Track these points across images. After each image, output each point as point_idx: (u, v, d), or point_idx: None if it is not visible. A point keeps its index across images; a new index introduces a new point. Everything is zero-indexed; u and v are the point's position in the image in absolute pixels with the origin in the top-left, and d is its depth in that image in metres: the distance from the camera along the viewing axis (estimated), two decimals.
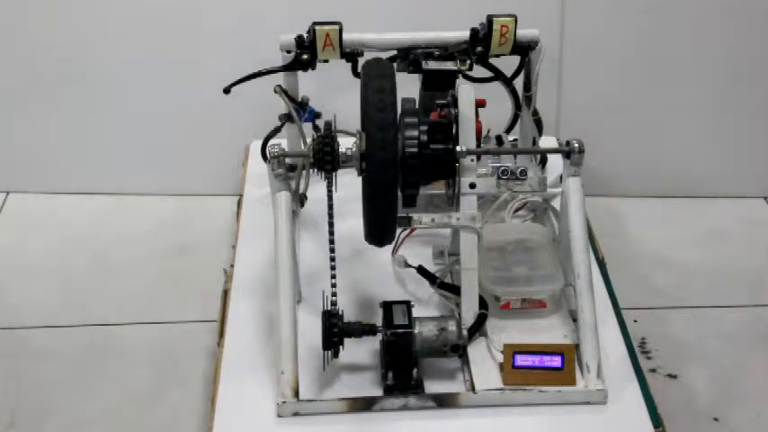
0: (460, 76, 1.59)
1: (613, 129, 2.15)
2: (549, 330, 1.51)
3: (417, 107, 1.54)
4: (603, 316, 1.52)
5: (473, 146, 1.46)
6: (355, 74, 1.66)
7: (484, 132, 1.60)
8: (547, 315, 1.54)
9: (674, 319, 1.89)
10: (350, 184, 1.45)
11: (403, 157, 1.41)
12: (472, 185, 1.47)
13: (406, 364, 1.41)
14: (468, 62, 1.59)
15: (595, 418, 1.40)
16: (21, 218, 2.16)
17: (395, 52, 1.66)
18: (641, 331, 1.84)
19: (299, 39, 1.65)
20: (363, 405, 1.40)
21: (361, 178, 1.41)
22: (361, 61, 1.56)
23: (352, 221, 1.49)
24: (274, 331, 1.45)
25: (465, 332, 1.43)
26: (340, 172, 1.41)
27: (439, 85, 1.56)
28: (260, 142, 1.82)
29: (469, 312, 1.48)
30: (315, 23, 1.63)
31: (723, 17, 2.04)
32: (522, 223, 1.75)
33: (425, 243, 1.69)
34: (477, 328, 1.48)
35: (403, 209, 1.47)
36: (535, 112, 1.76)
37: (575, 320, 1.49)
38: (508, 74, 1.75)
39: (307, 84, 1.77)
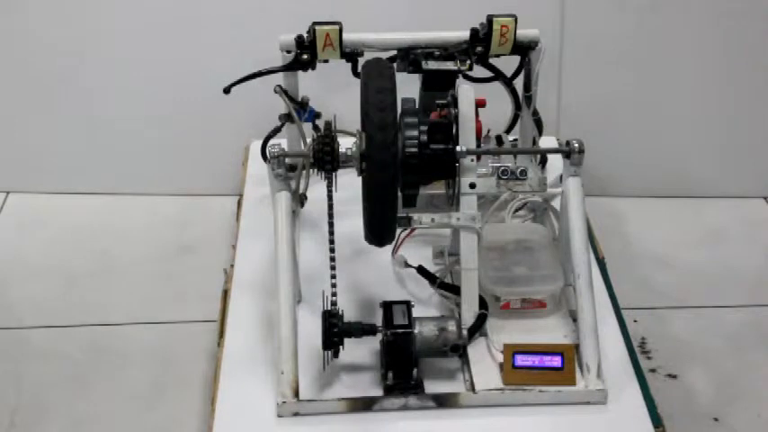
0: (460, 76, 1.59)
1: (613, 129, 2.15)
2: (549, 330, 1.51)
3: (417, 107, 1.54)
4: (603, 316, 1.52)
5: (473, 146, 1.46)
6: (355, 74, 1.66)
7: (484, 132, 1.60)
8: (547, 315, 1.54)
9: (674, 319, 1.89)
10: (350, 184, 1.45)
11: (403, 157, 1.41)
12: (472, 185, 1.47)
13: (405, 364, 1.41)
14: (468, 62, 1.59)
15: (595, 418, 1.40)
16: (21, 218, 2.15)
17: (395, 52, 1.66)
18: (641, 331, 1.84)
19: (299, 39, 1.65)
20: (363, 405, 1.40)
21: (361, 178, 1.41)
22: (361, 61, 1.56)
23: (352, 221, 1.49)
24: (274, 331, 1.45)
25: (465, 332, 1.44)
26: (340, 172, 1.41)
27: (439, 85, 1.56)
28: (260, 142, 1.82)
29: (469, 312, 1.48)
30: (315, 23, 1.63)
31: (723, 17, 2.04)
32: (522, 223, 1.75)
33: (425, 243, 1.69)
34: (478, 328, 1.48)
35: (403, 209, 1.47)
36: (535, 112, 1.76)
37: (575, 320, 1.49)
38: (508, 74, 1.75)
39: (307, 84, 1.77)
